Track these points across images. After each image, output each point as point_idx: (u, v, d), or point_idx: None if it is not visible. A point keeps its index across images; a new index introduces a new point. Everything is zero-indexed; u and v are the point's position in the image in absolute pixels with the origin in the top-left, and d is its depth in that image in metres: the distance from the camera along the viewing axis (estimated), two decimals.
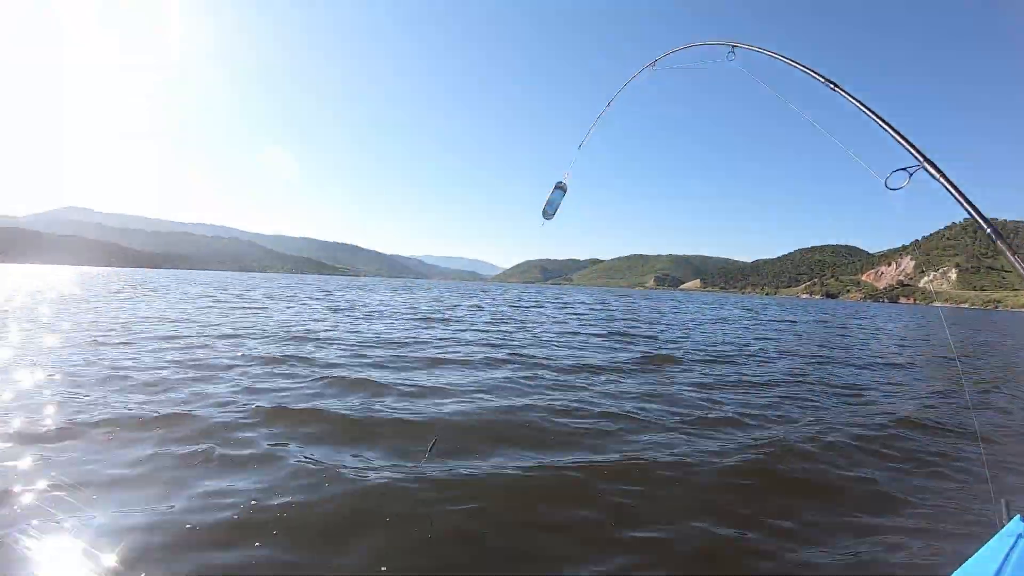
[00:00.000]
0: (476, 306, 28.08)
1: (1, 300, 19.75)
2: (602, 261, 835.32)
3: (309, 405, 5.65)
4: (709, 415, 6.14)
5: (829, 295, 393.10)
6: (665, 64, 4.10)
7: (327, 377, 7.05)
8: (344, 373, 7.32)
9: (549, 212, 4.23)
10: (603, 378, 8.17)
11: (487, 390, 6.79)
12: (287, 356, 8.61)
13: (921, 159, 2.25)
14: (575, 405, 6.16)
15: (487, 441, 4.84)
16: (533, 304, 33.85)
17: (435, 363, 8.67)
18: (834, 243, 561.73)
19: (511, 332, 14.52)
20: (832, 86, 2.77)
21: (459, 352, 9.93)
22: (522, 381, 7.53)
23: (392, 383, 6.85)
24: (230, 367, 7.67)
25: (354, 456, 4.35)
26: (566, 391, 7.05)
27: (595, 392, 7.05)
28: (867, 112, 2.58)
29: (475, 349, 10.49)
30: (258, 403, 5.68)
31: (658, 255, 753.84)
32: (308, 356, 8.81)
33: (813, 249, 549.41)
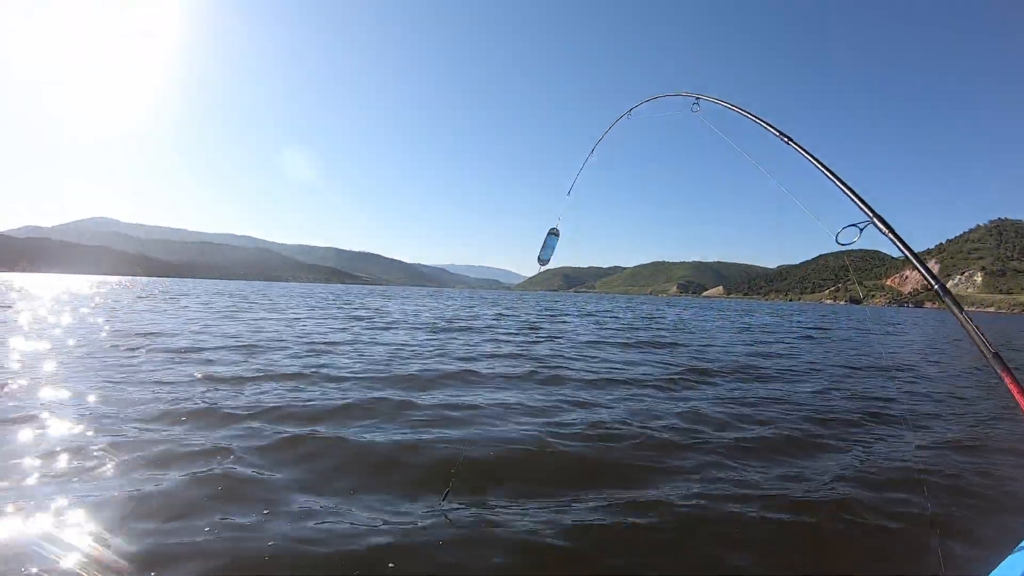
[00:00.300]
0: (499, 315, 27.83)
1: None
2: (624, 268, 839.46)
3: (309, 430, 5.13)
4: (755, 440, 5.52)
5: (853, 300, 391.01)
6: (639, 112, 4.30)
7: (335, 397, 6.62)
8: (357, 394, 6.86)
9: (544, 259, 4.45)
10: (638, 395, 7.64)
11: (512, 411, 6.34)
12: (299, 373, 8.20)
13: (871, 214, 2.27)
14: (610, 429, 5.61)
15: (513, 480, 4.26)
16: (557, 312, 33.30)
17: (454, 379, 8.27)
18: (858, 248, 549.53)
19: (535, 343, 14.26)
20: (786, 140, 2.85)
21: (481, 366, 9.47)
22: (549, 399, 7.11)
23: (409, 402, 6.49)
24: (242, 381, 7.43)
25: (357, 497, 3.81)
26: (597, 410, 6.58)
27: (631, 412, 6.52)
28: (820, 167, 2.61)
29: (499, 363, 10.09)
30: (257, 424, 5.35)
31: (681, 262, 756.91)
32: (320, 371, 8.42)
33: (836, 254, 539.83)
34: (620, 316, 32.03)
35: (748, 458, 4.95)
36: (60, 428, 5.06)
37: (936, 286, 2.07)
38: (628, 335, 17.88)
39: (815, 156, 2.68)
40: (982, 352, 1.84)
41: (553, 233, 4.49)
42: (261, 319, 18.87)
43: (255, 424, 5.36)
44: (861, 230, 2.26)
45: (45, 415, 5.40)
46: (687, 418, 6.31)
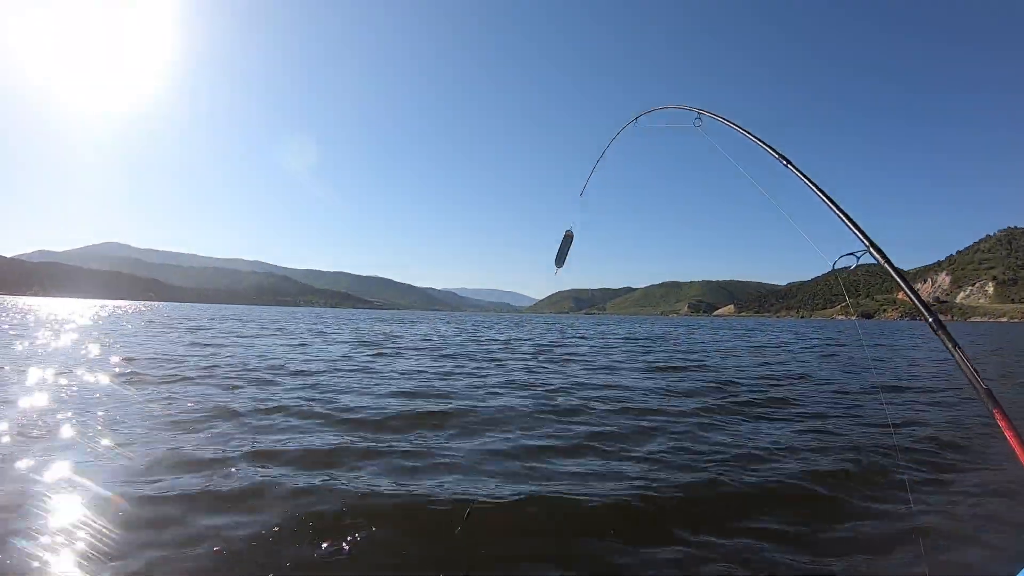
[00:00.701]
0: (514, 339, 26.06)
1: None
2: (635, 290, 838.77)
3: (304, 484, 4.26)
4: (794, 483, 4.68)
5: (865, 315, 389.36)
6: (643, 122, 4.32)
7: (331, 442, 5.66)
8: (353, 438, 5.81)
9: (560, 261, 4.49)
10: (664, 428, 6.65)
11: (526, 457, 5.31)
12: (286, 406, 7.33)
13: (868, 244, 2.27)
14: (640, 484, 4.50)
15: (535, 552, 3.46)
16: (569, 336, 31.31)
17: (462, 418, 7.01)
18: (868, 263, 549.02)
19: (551, 372, 12.80)
20: (785, 163, 2.81)
21: (493, 402, 8.35)
22: (568, 437, 6.08)
23: (409, 450, 5.39)
24: (219, 417, 6.70)
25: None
26: (618, 447, 5.71)
27: (657, 452, 5.57)
28: (818, 194, 2.58)
29: (511, 397, 8.92)
30: (243, 470, 4.61)
31: (691, 282, 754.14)
32: (316, 405, 7.47)
33: (847, 269, 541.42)
34: (634, 339, 29.50)
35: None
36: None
37: (931, 320, 1.99)
38: (646, 359, 16.31)
39: (814, 182, 2.65)
40: (975, 388, 1.81)
41: (568, 237, 4.53)
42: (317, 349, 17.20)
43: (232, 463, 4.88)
44: (858, 259, 2.30)
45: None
46: (740, 461, 5.34)
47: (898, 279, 2.28)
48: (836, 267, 2.39)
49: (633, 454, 5.56)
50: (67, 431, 5.91)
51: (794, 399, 9.21)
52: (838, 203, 2.55)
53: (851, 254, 2.34)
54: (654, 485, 4.54)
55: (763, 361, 16.94)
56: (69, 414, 6.70)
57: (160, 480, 4.38)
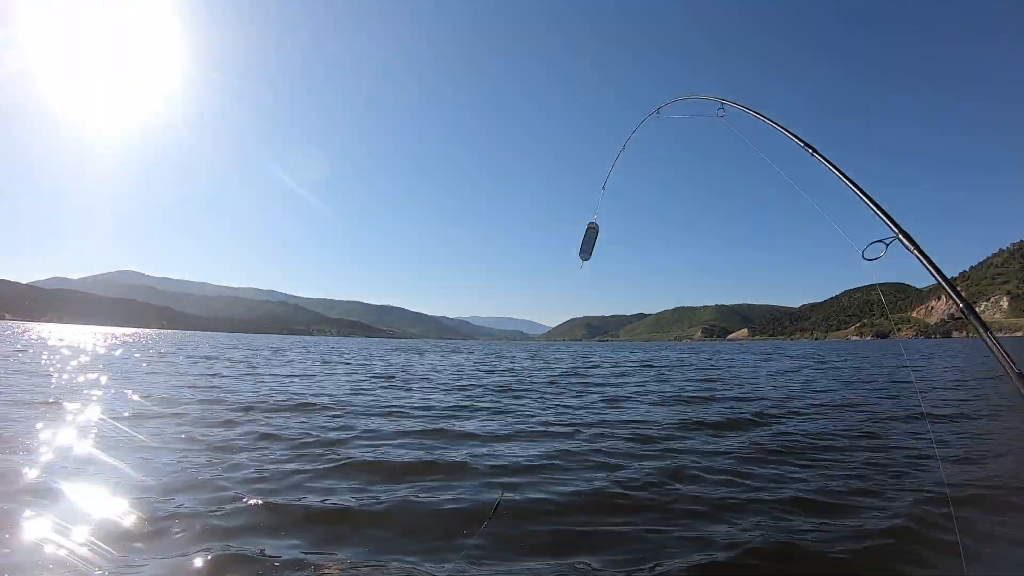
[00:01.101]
0: (525, 370, 23.20)
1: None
2: (648, 315, 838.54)
3: (295, 555, 3.70)
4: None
5: (880, 335, 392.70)
6: (667, 111, 4.38)
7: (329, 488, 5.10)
8: (346, 499, 4.80)
9: (585, 253, 4.43)
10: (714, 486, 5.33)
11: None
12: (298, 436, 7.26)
13: (897, 231, 2.25)
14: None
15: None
16: (584, 365, 28.44)
17: (486, 468, 5.83)
18: (882, 282, 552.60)
19: (577, 410, 10.52)
20: (811, 151, 2.77)
21: (512, 445, 7.10)
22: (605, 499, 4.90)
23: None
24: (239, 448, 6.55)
25: None
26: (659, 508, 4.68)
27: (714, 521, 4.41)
28: (845, 180, 2.53)
29: (534, 439, 7.54)
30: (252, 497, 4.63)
31: (704, 306, 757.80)
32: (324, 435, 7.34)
33: (861, 289, 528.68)
34: (651, 366, 27.08)
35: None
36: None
37: (961, 304, 2.06)
38: (671, 388, 14.71)
39: (840, 168, 2.57)
40: (1007, 373, 1.84)
41: (591, 228, 4.42)
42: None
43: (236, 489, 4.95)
44: (887, 245, 2.26)
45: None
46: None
47: (929, 268, 2.21)
48: (866, 255, 2.32)
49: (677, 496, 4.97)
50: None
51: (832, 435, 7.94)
52: (865, 190, 2.50)
53: (880, 241, 2.30)
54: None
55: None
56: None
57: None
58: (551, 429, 8.34)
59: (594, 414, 9.98)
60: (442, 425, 8.59)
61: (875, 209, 2.43)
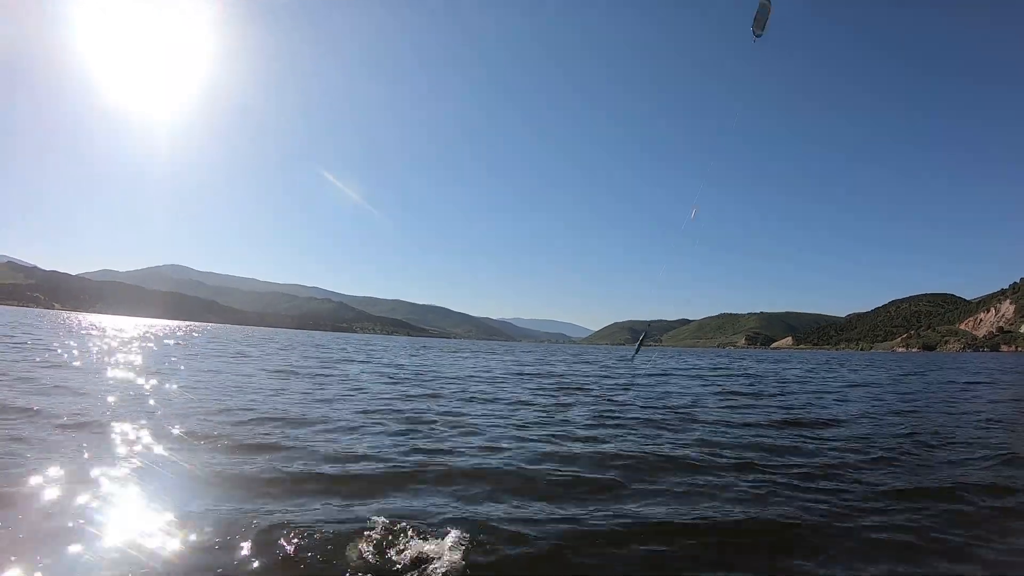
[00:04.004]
0: (574, 378, 23.94)
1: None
2: (691, 321, 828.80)
3: None
4: None
5: (926, 347, 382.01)
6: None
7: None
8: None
9: (759, 29, 4.25)
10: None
11: None
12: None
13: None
14: None
15: None
16: (639, 372, 29.01)
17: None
18: (929, 292, 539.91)
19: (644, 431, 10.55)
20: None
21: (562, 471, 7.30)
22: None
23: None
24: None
25: None
26: None
27: None
28: None
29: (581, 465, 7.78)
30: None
31: (748, 313, 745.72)
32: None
33: (908, 299, 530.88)
34: (710, 375, 27.65)
35: None
36: None
37: None
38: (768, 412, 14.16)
39: None
40: None
41: (764, 4, 3.79)
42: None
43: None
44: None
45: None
46: None
47: None
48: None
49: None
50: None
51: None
52: None
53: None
54: None
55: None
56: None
57: None
58: None
59: None
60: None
61: None
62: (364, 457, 7.92)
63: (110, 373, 16.82)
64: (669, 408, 14.44)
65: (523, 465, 7.85)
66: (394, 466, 7.48)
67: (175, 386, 14.40)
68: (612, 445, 9.36)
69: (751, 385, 23.07)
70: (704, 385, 22.06)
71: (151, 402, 11.84)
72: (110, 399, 11.86)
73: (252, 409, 11.49)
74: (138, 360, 21.33)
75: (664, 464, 8.14)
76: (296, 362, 26.63)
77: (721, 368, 38.65)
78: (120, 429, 8.78)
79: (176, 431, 8.88)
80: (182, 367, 19.84)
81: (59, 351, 23.43)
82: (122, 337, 38.13)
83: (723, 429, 11.43)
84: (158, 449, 7.81)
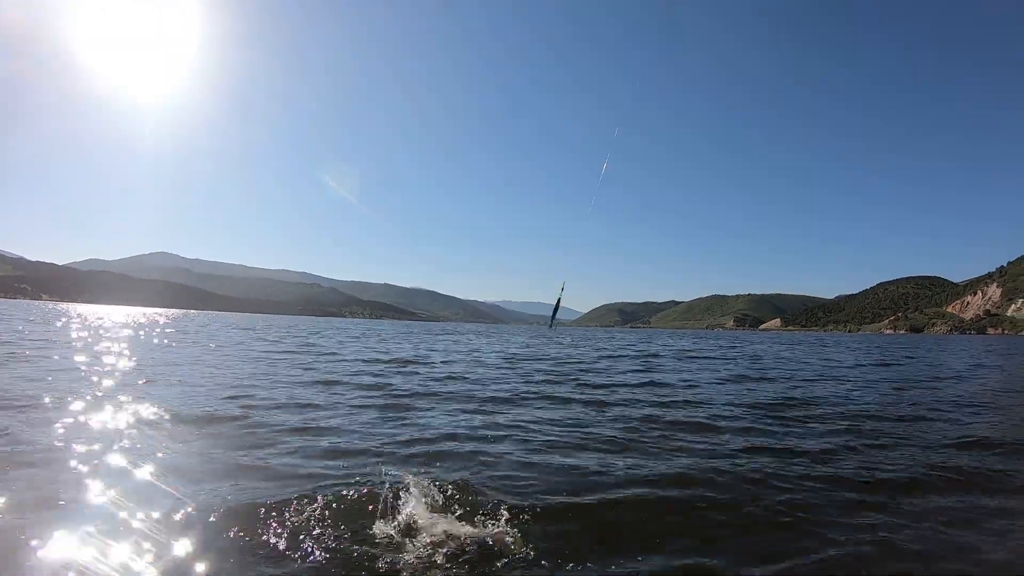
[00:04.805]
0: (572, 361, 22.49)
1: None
2: (680, 303, 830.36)
3: None
4: None
5: (914, 329, 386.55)
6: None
7: None
8: None
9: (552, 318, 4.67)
10: None
11: None
12: None
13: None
14: None
15: None
16: (639, 354, 28.53)
17: None
18: (917, 275, 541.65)
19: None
20: None
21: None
22: None
23: None
24: None
25: None
26: None
27: None
28: None
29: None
30: None
31: (737, 295, 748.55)
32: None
33: (896, 282, 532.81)
34: (719, 360, 25.72)
35: None
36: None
37: None
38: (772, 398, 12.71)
39: None
40: None
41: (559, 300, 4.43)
42: None
43: None
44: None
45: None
46: None
47: None
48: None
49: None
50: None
51: None
52: None
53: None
54: None
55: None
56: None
57: None
58: None
59: None
60: None
61: None
62: None
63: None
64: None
65: None
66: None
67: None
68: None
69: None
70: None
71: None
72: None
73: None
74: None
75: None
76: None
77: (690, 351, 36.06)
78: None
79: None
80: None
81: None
82: (98, 331, 33.40)
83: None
84: None
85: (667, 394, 13.34)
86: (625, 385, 14.93)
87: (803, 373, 19.84)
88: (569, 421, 9.35)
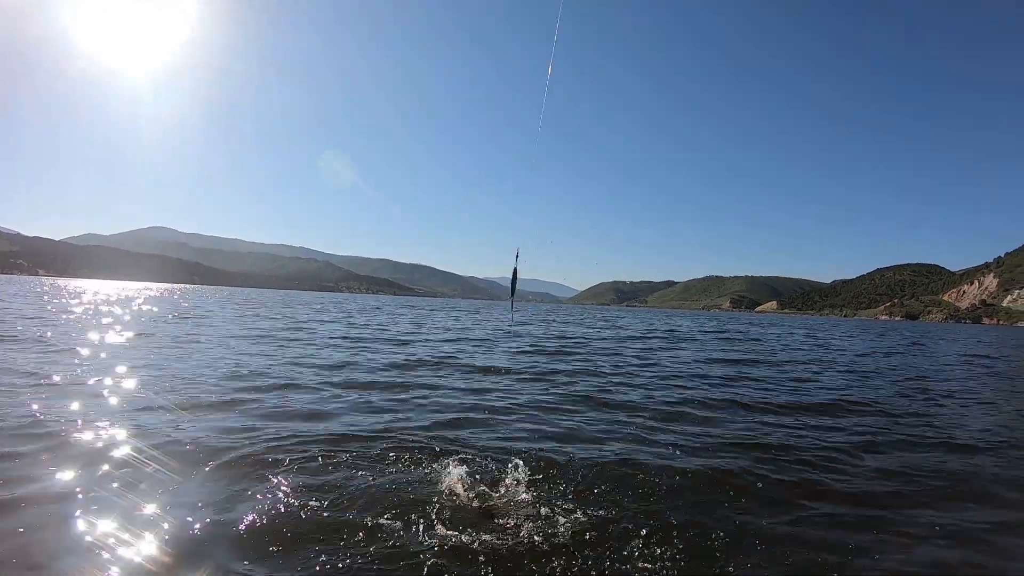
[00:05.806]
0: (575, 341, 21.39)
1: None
2: (676, 283, 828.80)
3: None
4: None
5: (909, 316, 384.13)
6: None
7: None
8: None
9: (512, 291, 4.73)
10: None
11: None
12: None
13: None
14: None
15: None
16: (633, 334, 28.00)
17: None
18: (914, 262, 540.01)
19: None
20: None
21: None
22: None
23: None
24: None
25: None
26: None
27: None
28: None
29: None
30: None
31: (734, 276, 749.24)
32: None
33: (893, 268, 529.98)
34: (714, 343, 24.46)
35: None
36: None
37: None
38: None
39: None
40: None
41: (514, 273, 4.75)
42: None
43: None
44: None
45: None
46: None
47: None
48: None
49: None
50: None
51: None
52: None
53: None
54: None
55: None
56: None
57: None
58: None
59: None
60: None
61: None
62: None
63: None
64: None
65: None
66: None
67: None
68: None
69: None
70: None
71: None
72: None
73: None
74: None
75: None
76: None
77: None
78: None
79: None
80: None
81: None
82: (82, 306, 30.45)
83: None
84: None
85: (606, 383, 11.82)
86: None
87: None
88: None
